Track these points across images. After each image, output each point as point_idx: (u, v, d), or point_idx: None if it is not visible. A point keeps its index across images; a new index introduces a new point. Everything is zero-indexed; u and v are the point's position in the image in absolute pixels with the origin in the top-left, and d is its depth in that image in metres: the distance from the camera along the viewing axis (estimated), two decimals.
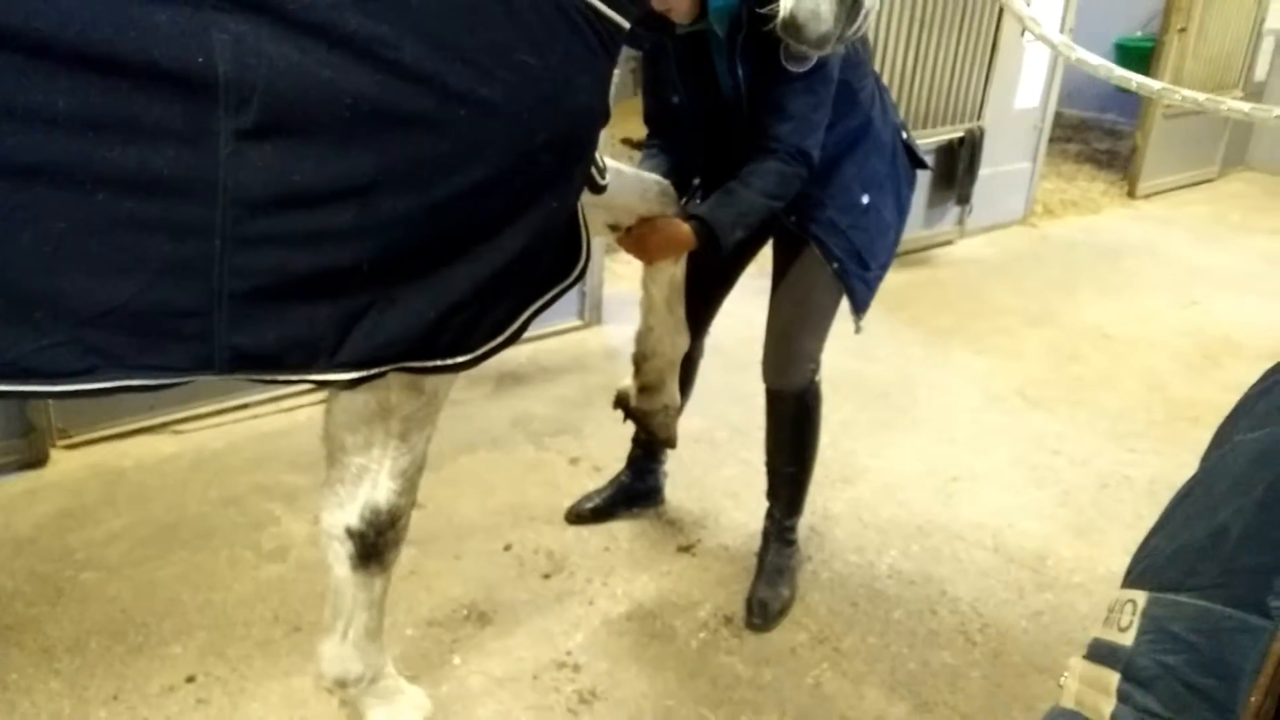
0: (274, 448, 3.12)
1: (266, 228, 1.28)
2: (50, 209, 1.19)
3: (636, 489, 2.93)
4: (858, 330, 2.44)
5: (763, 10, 1.81)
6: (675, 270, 2.23)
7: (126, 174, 1.20)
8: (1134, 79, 1.62)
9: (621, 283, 4.27)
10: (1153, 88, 1.62)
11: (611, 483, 2.94)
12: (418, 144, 1.31)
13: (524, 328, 1.61)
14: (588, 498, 2.92)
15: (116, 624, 2.34)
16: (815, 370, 2.48)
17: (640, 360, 2.38)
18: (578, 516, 2.88)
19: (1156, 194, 6.82)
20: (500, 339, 1.56)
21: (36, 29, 1.12)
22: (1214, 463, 0.91)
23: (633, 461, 2.92)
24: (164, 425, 3.13)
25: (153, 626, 2.34)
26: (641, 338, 2.35)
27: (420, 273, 1.40)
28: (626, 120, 5.97)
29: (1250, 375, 3.96)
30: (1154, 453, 3.46)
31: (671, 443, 2.53)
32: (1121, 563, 0.93)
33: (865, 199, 2.33)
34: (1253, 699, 0.71)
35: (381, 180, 1.30)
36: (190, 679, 2.19)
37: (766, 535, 2.64)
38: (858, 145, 2.32)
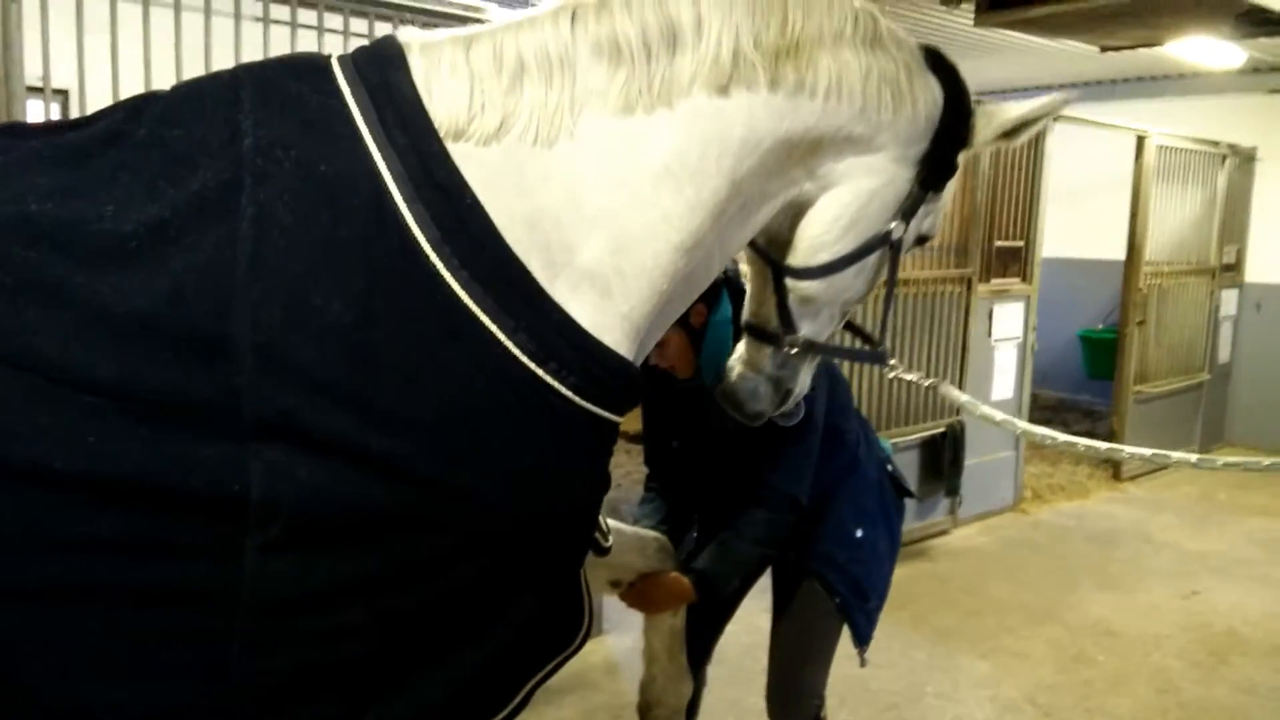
0: None
1: (282, 631, 1.34)
2: (83, 626, 1.26)
3: None
4: (863, 664, 2.45)
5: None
6: (675, 621, 2.28)
7: (158, 590, 1.28)
8: (1021, 427, 1.90)
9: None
10: (1035, 433, 1.89)
11: None
12: (425, 544, 1.39)
13: (528, 699, 1.63)
14: None
15: None
16: (820, 705, 2.47)
17: (644, 710, 2.37)
18: None
19: (1141, 475, 6.98)
20: (504, 712, 1.58)
21: (94, 472, 1.24)
22: None
23: None
24: None
25: None
26: (645, 687, 2.36)
27: (428, 658, 1.45)
28: None
29: (1259, 674, 3.93)
30: None
31: None
32: None
33: (859, 533, 2.43)
34: None
35: (390, 578, 1.38)
36: None
37: None
38: (847, 482, 2.45)
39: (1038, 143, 5.75)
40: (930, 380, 1.96)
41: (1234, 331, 7.95)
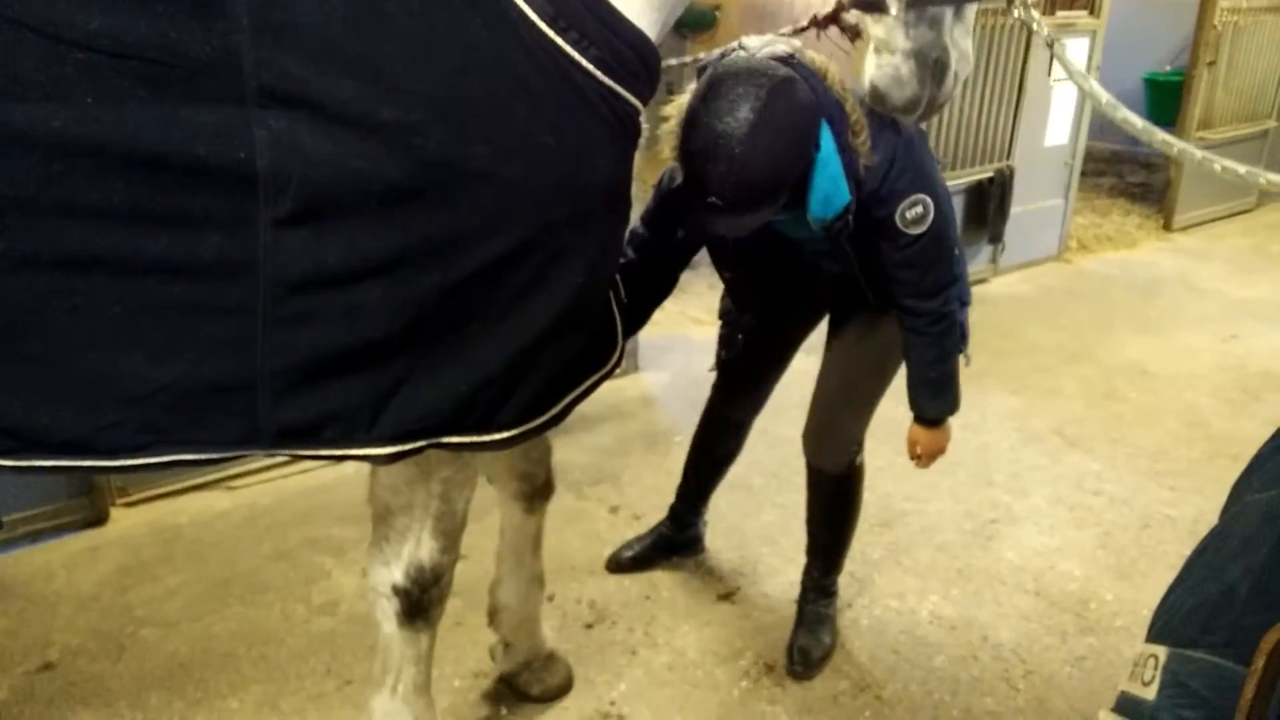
0: (323, 501, 3.20)
1: (303, 306, 1.34)
2: (106, 296, 1.27)
3: (676, 538, 2.98)
4: (966, 364, 2.47)
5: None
6: (529, 520, 2.21)
7: (175, 261, 1.28)
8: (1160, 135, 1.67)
9: (656, 328, 4.33)
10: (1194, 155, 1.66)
11: (651, 531, 2.99)
12: (441, 222, 1.37)
13: (564, 414, 1.64)
14: (628, 546, 2.97)
15: (176, 679, 2.42)
16: (858, 451, 2.50)
17: (492, 613, 2.33)
18: (618, 565, 2.93)
19: (1193, 226, 6.78)
20: (538, 421, 1.58)
21: (94, 135, 1.20)
22: (1227, 520, 0.95)
23: (673, 512, 2.97)
24: (218, 481, 3.23)
25: (210, 681, 2.42)
26: (492, 588, 2.31)
27: (450, 346, 1.45)
28: (648, 168, 6.09)
29: None
30: (1195, 491, 3.43)
31: (546, 697, 2.36)
32: None
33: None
34: None
35: (407, 257, 1.36)
36: None
37: (805, 587, 2.66)
38: None
39: None
40: (1049, 34, 1.75)
41: None
